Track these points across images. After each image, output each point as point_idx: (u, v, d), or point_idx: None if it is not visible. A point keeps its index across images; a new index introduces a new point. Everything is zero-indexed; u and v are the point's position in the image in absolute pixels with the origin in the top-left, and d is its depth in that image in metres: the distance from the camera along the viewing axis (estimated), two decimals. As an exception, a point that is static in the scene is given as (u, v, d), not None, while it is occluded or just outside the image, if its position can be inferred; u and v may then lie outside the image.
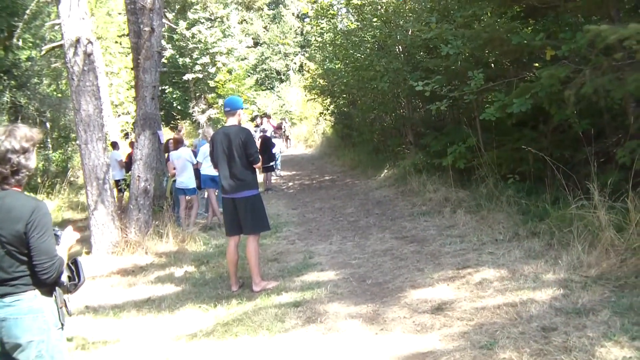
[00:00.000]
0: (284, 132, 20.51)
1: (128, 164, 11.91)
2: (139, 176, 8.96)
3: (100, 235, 8.51)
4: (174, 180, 10.70)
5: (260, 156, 6.39)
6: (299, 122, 32.62)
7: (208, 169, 9.57)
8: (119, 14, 21.91)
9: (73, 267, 2.98)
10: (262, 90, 36.48)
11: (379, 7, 14.38)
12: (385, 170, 13.49)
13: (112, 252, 8.41)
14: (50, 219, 2.72)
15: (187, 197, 10.39)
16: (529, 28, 9.55)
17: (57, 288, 2.84)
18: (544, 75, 6.63)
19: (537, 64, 8.36)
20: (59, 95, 18.33)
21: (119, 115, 24.03)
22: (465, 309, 4.53)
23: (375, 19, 14.30)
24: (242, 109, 6.35)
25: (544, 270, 5.16)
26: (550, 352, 3.52)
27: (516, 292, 4.71)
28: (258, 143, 12.97)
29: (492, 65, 10.43)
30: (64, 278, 2.89)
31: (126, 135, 18.56)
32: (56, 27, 11.62)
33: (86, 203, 9.00)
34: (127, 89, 23.67)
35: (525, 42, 7.71)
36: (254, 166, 6.16)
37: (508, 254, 5.91)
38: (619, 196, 5.54)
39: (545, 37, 8.03)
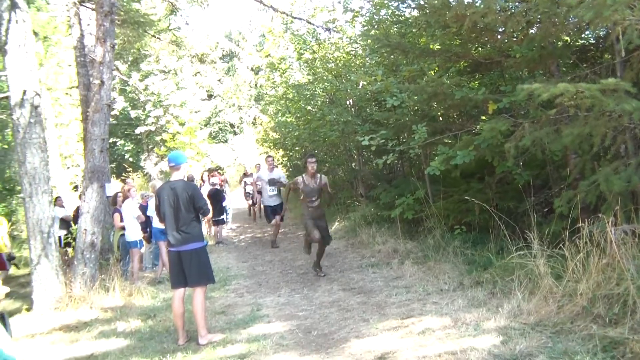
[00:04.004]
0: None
1: (76, 217, 11.74)
2: (85, 229, 8.82)
3: (43, 290, 8.30)
4: (122, 234, 10.60)
5: (210, 208, 6.46)
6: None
7: (158, 223, 9.50)
8: (69, 65, 21.82)
9: None
10: (216, 143, 36.52)
11: (330, 61, 14.80)
12: (337, 223, 13.58)
13: (55, 307, 8.19)
14: None
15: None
16: (476, 82, 9.95)
17: None
18: (485, 129, 6.88)
19: (484, 117, 8.68)
20: (5, 146, 17.99)
21: (68, 168, 23.66)
22: (407, 357, 4.58)
23: (326, 73, 14.67)
24: (185, 163, 6.42)
25: (485, 318, 5.28)
26: (487, 399, 3.60)
27: (457, 340, 4.80)
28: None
29: (440, 118, 10.78)
30: None
31: (76, 187, 18.28)
32: (2, 78, 11.52)
33: (29, 257, 8.79)
34: (78, 141, 23.41)
35: (469, 96, 8.02)
36: (205, 218, 6.24)
37: (452, 303, 6.02)
38: (557, 244, 5.73)
39: (488, 91, 8.37)
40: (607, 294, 4.72)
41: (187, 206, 6.02)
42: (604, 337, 4.26)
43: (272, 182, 11.91)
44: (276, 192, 12.59)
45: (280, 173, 13.14)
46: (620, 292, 4.62)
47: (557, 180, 8.22)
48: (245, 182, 18.20)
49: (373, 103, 12.99)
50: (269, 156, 13.44)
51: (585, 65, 7.99)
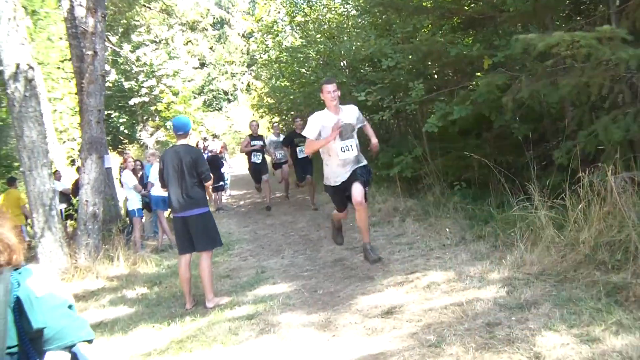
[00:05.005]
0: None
1: (75, 190, 11.76)
2: (86, 201, 8.86)
3: (48, 262, 8.33)
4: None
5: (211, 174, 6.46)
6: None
7: (158, 190, 9.53)
8: (60, 38, 21.54)
9: None
10: (210, 111, 36.37)
11: (323, 23, 14.69)
12: (336, 185, 13.59)
13: (62, 279, 8.23)
14: None
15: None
16: (470, 39, 9.91)
17: None
18: (481, 83, 6.89)
19: (479, 73, 8.67)
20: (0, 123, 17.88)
21: (64, 142, 23.57)
22: (413, 311, 4.65)
23: (319, 35, 14.57)
24: (191, 129, 6.43)
25: (489, 270, 5.33)
26: (494, 345, 3.67)
27: (462, 292, 4.87)
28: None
29: (435, 76, 10.74)
30: None
31: (72, 162, 18.22)
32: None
33: (32, 231, 8.83)
34: (72, 115, 23.25)
35: (464, 53, 7.98)
36: (205, 184, 6.24)
37: (455, 257, 6.07)
38: (558, 195, 5.77)
39: (482, 47, 8.34)
40: (609, 241, 4.78)
41: (191, 170, 6.00)
42: (607, 282, 4.32)
43: (347, 128, 6.16)
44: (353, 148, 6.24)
45: (354, 112, 6.34)
46: (622, 238, 4.69)
47: (554, 133, 8.24)
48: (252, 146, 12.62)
49: (367, 64, 12.90)
50: (329, 82, 6.22)
51: (579, 17, 7.95)
